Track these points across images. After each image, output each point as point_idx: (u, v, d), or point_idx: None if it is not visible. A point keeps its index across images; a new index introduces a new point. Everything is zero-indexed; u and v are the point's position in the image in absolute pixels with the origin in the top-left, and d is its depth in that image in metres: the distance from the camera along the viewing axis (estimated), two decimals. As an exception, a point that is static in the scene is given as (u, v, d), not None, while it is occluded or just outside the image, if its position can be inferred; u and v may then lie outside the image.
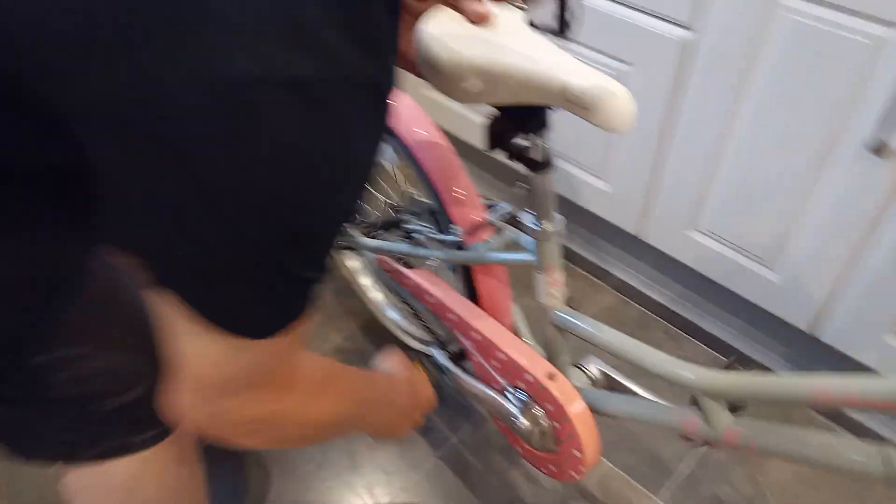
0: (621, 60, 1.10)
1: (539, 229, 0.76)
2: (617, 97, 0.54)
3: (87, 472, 0.63)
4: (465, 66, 0.59)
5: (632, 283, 1.42)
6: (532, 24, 0.61)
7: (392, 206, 1.06)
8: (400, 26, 0.44)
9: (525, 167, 0.71)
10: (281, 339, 0.45)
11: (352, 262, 1.37)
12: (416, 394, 0.90)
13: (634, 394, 0.84)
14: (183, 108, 0.31)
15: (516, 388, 0.87)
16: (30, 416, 0.57)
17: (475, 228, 0.87)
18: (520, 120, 0.66)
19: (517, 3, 0.63)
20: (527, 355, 0.85)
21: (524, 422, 0.85)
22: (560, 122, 0.68)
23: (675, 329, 1.35)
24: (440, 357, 1.03)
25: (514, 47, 0.58)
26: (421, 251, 0.97)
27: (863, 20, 0.84)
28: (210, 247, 0.36)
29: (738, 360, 0.75)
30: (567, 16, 0.65)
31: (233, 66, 0.31)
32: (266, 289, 0.40)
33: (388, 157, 0.99)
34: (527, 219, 0.77)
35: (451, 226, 0.88)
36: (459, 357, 1.03)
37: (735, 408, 0.67)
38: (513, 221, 0.81)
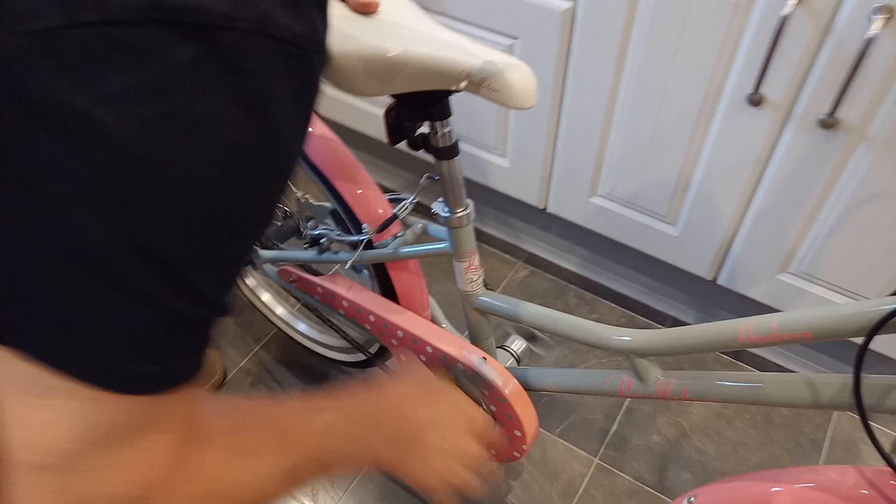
0: (507, 35, 1.09)
1: (453, 216, 0.75)
2: (521, 74, 0.53)
3: None
4: (356, 58, 0.55)
5: (541, 254, 1.44)
6: None
7: (287, 214, 0.99)
8: None
9: (431, 155, 0.69)
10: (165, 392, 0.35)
11: (249, 279, 1.28)
12: (439, 410, 0.65)
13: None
14: None
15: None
16: None
17: (384, 224, 0.84)
18: (420, 108, 0.64)
19: None
20: (454, 344, 0.83)
21: (461, 411, 0.84)
22: (452, 103, 0.66)
23: (587, 293, 1.39)
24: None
25: (406, 34, 0.56)
26: (329, 256, 0.93)
27: (728, -22, 0.87)
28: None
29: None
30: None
31: None
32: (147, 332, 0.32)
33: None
34: (438, 207, 0.76)
35: (362, 225, 0.85)
36: (379, 357, 1.00)
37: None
38: (422, 211, 0.79)
